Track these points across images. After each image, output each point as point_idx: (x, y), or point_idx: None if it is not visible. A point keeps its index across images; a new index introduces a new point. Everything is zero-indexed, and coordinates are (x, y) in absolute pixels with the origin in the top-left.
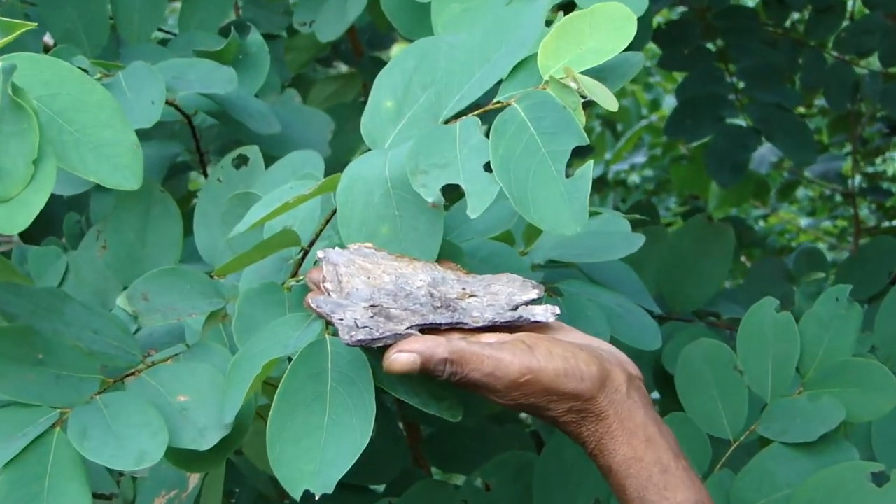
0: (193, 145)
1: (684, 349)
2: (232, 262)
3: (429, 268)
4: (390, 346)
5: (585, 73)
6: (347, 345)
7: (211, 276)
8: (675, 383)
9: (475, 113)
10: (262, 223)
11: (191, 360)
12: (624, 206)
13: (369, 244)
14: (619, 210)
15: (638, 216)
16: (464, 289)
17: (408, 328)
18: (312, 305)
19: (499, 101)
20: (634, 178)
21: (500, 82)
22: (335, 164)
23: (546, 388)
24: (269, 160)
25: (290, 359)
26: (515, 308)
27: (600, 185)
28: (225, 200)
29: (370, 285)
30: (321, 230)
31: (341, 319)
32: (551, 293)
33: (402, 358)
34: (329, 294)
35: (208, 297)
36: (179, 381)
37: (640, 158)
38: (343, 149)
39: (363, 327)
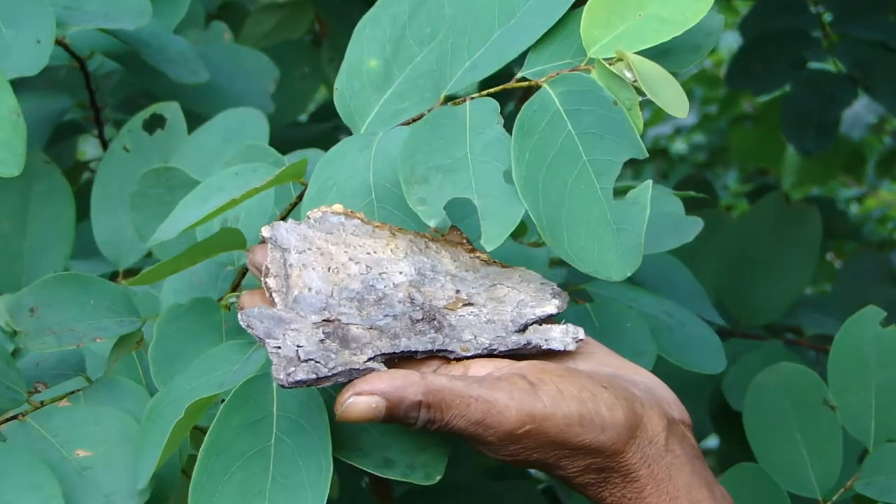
0: (87, 98)
1: (756, 377)
2: (152, 269)
3: (417, 248)
4: (344, 384)
5: (645, 53)
6: (282, 386)
7: (114, 282)
8: (742, 423)
9: (491, 91)
10: (201, 224)
11: (94, 401)
12: (666, 183)
13: (339, 206)
14: None
15: (693, 193)
16: (458, 291)
17: (369, 360)
18: (241, 321)
19: (524, 79)
20: (680, 147)
21: (527, 51)
22: (281, 126)
23: (554, 441)
24: (194, 121)
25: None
26: (525, 328)
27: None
28: (135, 177)
29: (329, 282)
30: None
31: (278, 348)
32: (576, 298)
33: (360, 403)
34: (271, 295)
35: (118, 316)
36: (78, 429)
37: (688, 119)
38: (291, 104)
39: (307, 360)
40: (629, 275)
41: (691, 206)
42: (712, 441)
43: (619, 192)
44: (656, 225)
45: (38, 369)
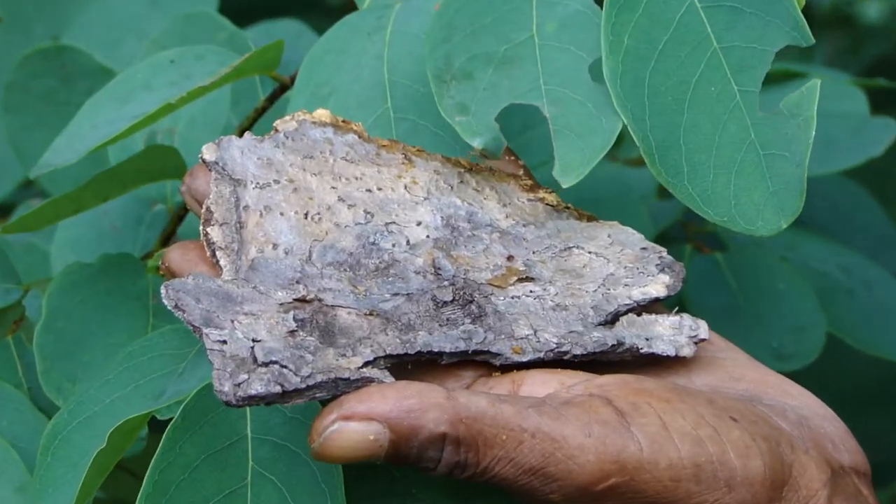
0: None
1: None
2: (37, 209)
3: (446, 184)
4: (327, 401)
5: None
6: (227, 404)
7: None
8: None
9: None
10: (116, 141)
11: None
12: (851, 66)
13: (324, 113)
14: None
15: (883, 82)
16: (510, 258)
17: (367, 364)
18: (164, 297)
19: None
20: (873, 11)
21: None
22: None
23: (654, 502)
24: None
25: (166, 420)
26: (614, 319)
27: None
28: (9, 62)
29: (306, 236)
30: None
31: (222, 342)
32: (701, 245)
33: (349, 433)
34: (214, 255)
35: None
36: None
37: None
38: None
39: (268, 363)
40: (784, 227)
41: (881, 102)
42: None
43: (771, 84)
44: (827, 130)
45: None
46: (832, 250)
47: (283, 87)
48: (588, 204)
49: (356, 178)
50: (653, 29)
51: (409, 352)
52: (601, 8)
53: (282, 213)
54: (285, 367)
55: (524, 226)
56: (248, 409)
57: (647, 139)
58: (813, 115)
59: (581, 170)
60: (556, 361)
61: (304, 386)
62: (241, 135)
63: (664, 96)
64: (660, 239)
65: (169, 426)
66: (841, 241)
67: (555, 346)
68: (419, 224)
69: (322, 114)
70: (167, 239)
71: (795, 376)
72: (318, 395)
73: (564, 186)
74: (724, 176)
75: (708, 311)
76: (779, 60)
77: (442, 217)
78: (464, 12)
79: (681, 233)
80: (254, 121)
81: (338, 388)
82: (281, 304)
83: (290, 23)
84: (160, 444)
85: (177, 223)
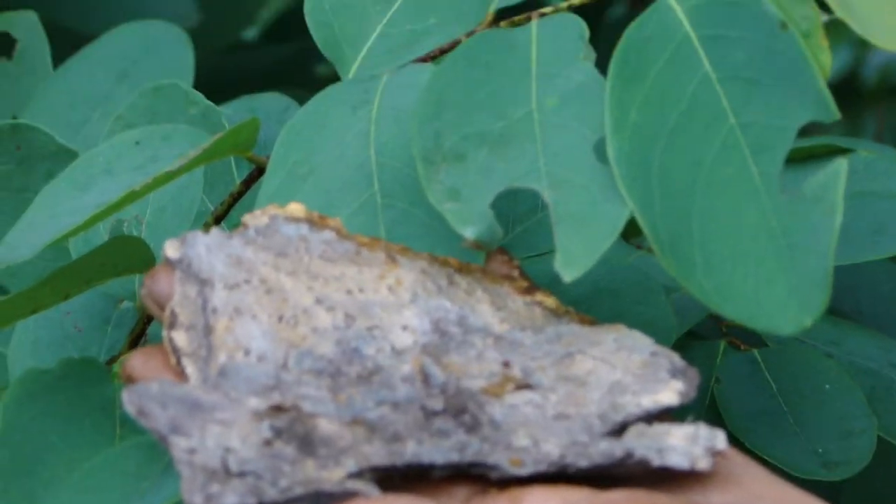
0: None
1: None
2: None
3: (434, 285)
4: None
5: None
6: None
7: None
8: None
9: (573, 3)
10: (77, 232)
11: None
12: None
13: (298, 207)
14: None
15: None
16: (506, 364)
17: (350, 476)
18: (127, 404)
19: None
20: None
21: None
22: (213, 51)
23: None
24: (66, 44)
25: None
26: (622, 429)
27: (843, 90)
28: None
29: (281, 342)
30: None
31: (191, 451)
32: (736, 340)
33: None
34: (179, 361)
35: None
36: None
37: None
38: (229, 12)
39: (242, 474)
40: (809, 324)
41: None
42: None
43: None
44: (875, 212)
45: None
46: (882, 345)
47: (261, 170)
48: (605, 296)
49: (335, 279)
50: (663, 103)
51: (398, 463)
52: (605, 80)
53: (254, 317)
54: (261, 477)
55: (521, 331)
56: None
57: (656, 227)
58: (838, 201)
59: (585, 262)
60: (559, 475)
61: (282, 499)
62: (216, 222)
63: (675, 179)
64: (689, 335)
65: None
66: (892, 335)
67: (557, 457)
68: (405, 328)
69: (296, 208)
70: (136, 340)
71: (843, 486)
72: None
73: (567, 280)
74: (741, 268)
75: (745, 414)
76: (824, 134)
77: (430, 321)
78: (456, 85)
79: (713, 328)
80: (229, 206)
81: (319, 502)
82: (255, 412)
83: (275, 97)
84: None
85: (146, 323)
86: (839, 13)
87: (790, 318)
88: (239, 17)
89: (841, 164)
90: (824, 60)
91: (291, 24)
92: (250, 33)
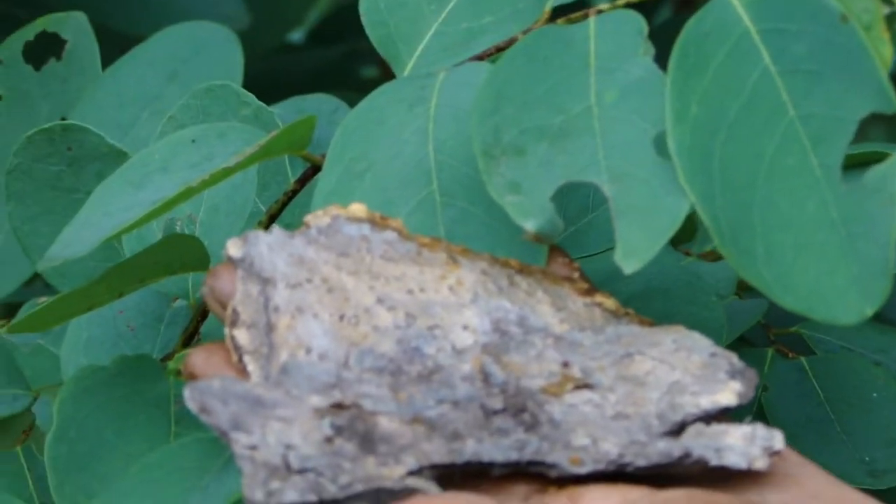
0: None
1: None
2: (45, 307)
3: (495, 286)
4: None
5: None
6: None
7: None
8: None
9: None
10: (132, 229)
11: None
12: None
13: (360, 208)
14: None
15: None
16: (566, 364)
17: (410, 474)
18: (189, 400)
19: None
20: None
21: None
22: (261, 53)
23: None
24: (114, 46)
25: None
26: (680, 429)
27: None
28: (12, 143)
29: (342, 340)
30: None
31: (253, 448)
32: (784, 348)
33: None
34: (240, 358)
35: None
36: None
37: None
38: (277, 14)
39: (303, 470)
40: (870, 314)
41: None
42: None
43: (849, 165)
44: None
45: None
46: None
47: (316, 169)
48: (656, 295)
49: (396, 279)
50: (723, 96)
51: (457, 461)
52: (665, 74)
53: (315, 315)
54: (321, 474)
55: (581, 331)
56: None
57: (718, 218)
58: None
59: (646, 254)
60: (617, 474)
61: (342, 496)
62: (270, 221)
63: (736, 171)
64: (738, 342)
65: None
66: None
67: (616, 456)
68: (465, 328)
69: (357, 209)
70: (190, 338)
71: (890, 494)
72: None
73: (628, 272)
74: (802, 258)
75: (792, 421)
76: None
77: (490, 321)
78: (514, 81)
79: (762, 335)
80: (283, 205)
81: (379, 499)
82: (316, 410)
83: (324, 98)
84: None
85: (200, 321)
86: None
87: (851, 308)
88: (286, 20)
89: (894, 160)
90: (885, 52)
91: (337, 27)
92: (296, 36)
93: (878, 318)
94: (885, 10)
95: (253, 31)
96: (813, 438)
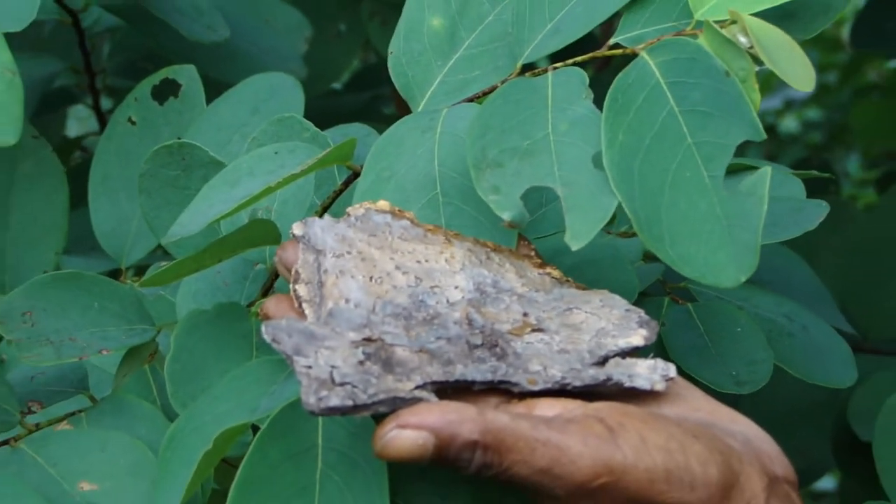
0: (80, 61)
1: (889, 400)
2: (168, 268)
3: (476, 259)
4: (385, 414)
5: (763, 15)
6: (311, 413)
7: (119, 280)
8: (869, 455)
9: (578, 59)
10: (227, 217)
11: (99, 424)
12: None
13: (385, 203)
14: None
15: (816, 173)
16: (525, 314)
17: (417, 388)
18: (265, 334)
19: (618, 45)
20: (791, 124)
21: (618, 14)
22: (313, 92)
23: (634, 498)
24: (212, 88)
25: (258, 428)
26: (604, 361)
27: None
28: (142, 156)
29: (371, 294)
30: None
31: (308, 367)
32: (676, 297)
33: (404, 438)
34: (300, 305)
35: (128, 323)
36: (81, 457)
37: (801, 91)
38: (324, 68)
39: (343, 384)
40: (743, 280)
41: (810, 192)
42: (827, 482)
43: (728, 175)
44: (771, 210)
45: (32, 385)
46: (777, 302)
47: (355, 175)
48: (589, 265)
49: (409, 252)
50: (641, 128)
51: (449, 380)
52: (601, 112)
53: (352, 276)
54: (356, 387)
55: (536, 292)
56: (319, 423)
57: (637, 213)
58: (765, 194)
59: (587, 236)
60: (560, 392)
61: (370, 402)
62: (322, 214)
63: (649, 180)
64: (643, 294)
65: (258, 433)
66: (783, 295)
67: (559, 379)
68: (456, 288)
69: (383, 204)
70: (266, 291)
71: (750, 398)
72: (380, 409)
73: (574, 249)
74: (696, 243)
75: (682, 348)
76: (736, 157)
77: (474, 283)
78: (496, 115)
79: (660, 289)
80: (332, 201)
81: (395, 405)
82: (352, 342)
83: (359, 126)
84: (250, 447)
85: (273, 280)
86: (767, 64)
87: (730, 276)
88: (331, 73)
89: (767, 170)
90: (755, 98)
91: (366, 79)
92: (338, 84)
93: None
94: (756, 67)
95: (309, 80)
96: (697, 359)
